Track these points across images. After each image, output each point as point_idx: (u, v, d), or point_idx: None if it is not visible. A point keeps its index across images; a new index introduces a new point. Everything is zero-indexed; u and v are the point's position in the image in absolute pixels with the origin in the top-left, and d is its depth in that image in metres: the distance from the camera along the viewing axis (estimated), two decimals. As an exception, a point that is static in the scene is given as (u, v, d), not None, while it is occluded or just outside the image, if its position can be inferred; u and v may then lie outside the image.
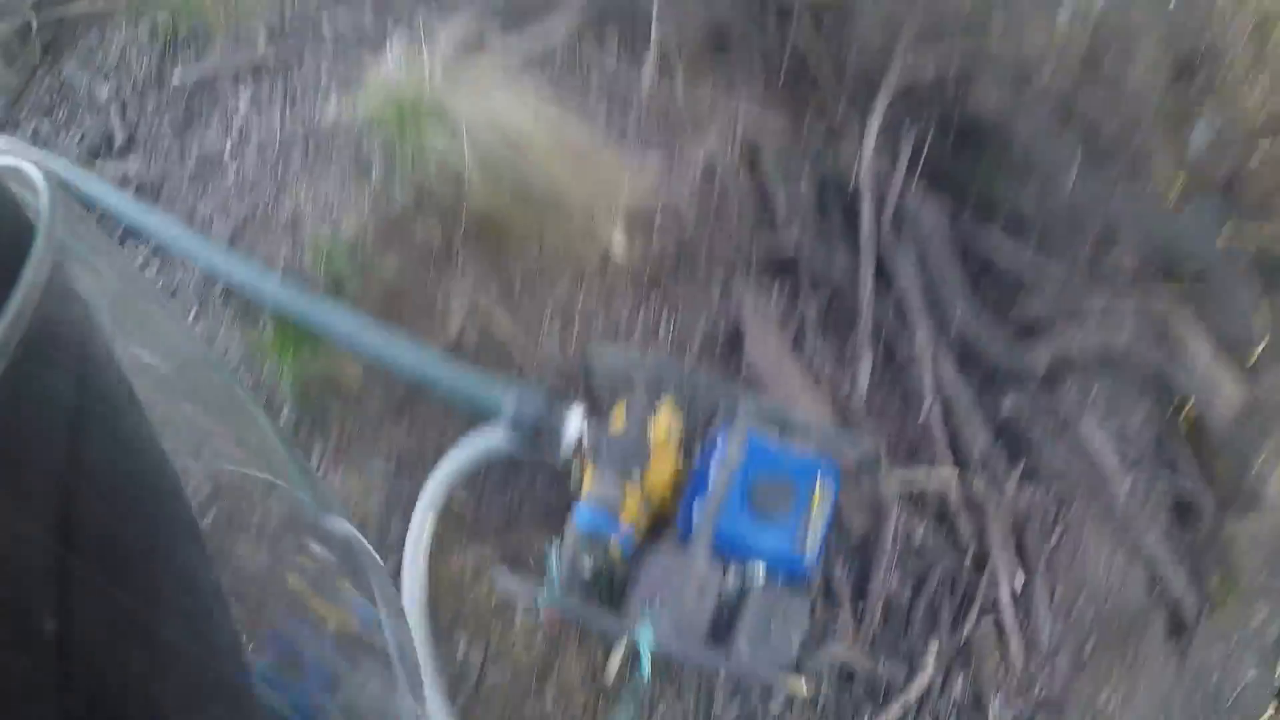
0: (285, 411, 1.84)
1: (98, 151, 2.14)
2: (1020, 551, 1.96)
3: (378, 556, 0.97)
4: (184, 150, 2.08)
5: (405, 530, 1.79)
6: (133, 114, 2.13)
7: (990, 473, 1.96)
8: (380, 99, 1.77)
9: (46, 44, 2.16)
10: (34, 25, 2.14)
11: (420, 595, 1.74)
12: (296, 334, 1.81)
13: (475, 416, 1.86)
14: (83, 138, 2.16)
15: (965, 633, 1.92)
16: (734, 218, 2.00)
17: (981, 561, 1.96)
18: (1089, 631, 1.98)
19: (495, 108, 1.72)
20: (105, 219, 2.04)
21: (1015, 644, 1.92)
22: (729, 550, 1.56)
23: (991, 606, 1.94)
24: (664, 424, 1.61)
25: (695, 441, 1.75)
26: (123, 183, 2.06)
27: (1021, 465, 2.00)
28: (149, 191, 2.07)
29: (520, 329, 1.88)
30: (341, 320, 1.72)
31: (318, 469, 1.83)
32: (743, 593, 1.56)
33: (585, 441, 1.52)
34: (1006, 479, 1.95)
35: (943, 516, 1.97)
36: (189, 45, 2.14)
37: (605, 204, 1.94)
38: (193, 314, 1.93)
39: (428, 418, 1.85)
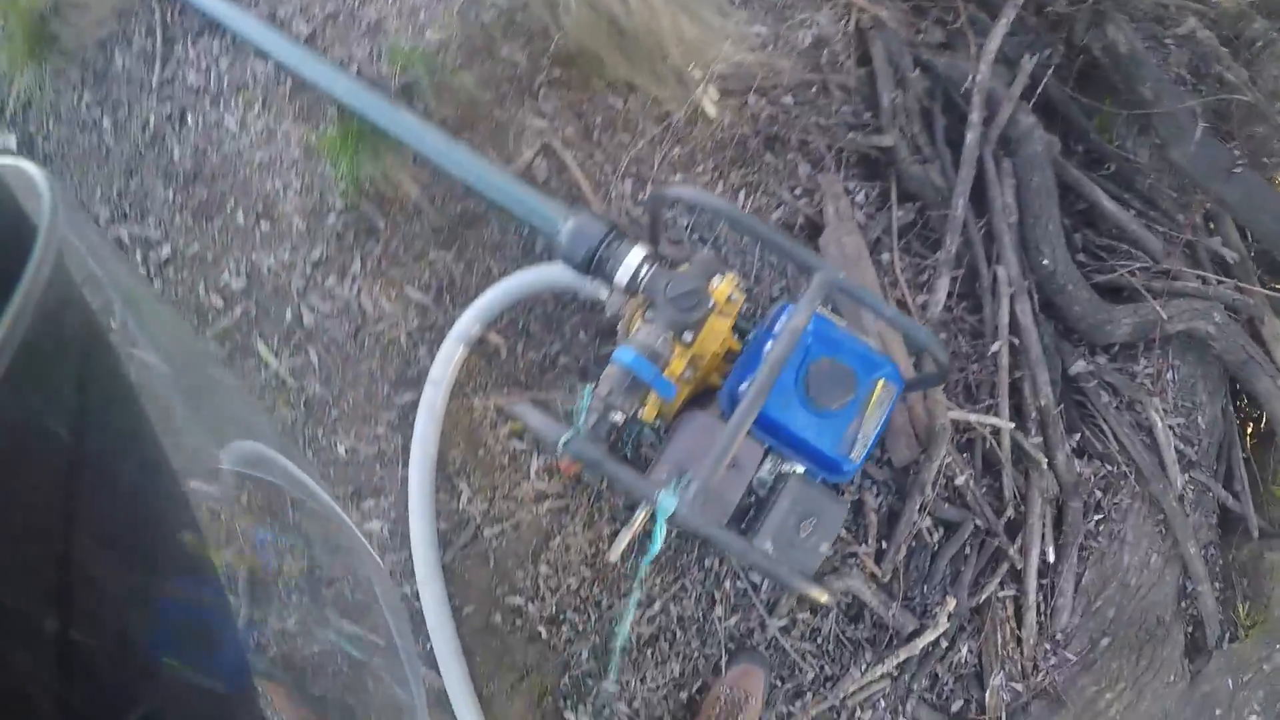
0: (333, 217, 1.64)
1: (187, -54, 1.96)
2: (1057, 526, 1.74)
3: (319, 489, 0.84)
4: (276, -52, 1.90)
5: (431, 362, 1.60)
6: (231, -92, 1.95)
7: (1045, 434, 1.72)
8: (488, -94, 1.56)
9: None
10: None
11: (433, 434, 1.54)
12: (359, 137, 1.61)
13: (527, 254, 1.66)
14: (173, -68, 1.98)
15: (984, 598, 1.69)
16: (834, 105, 1.77)
17: (1016, 527, 1.73)
18: (1106, 628, 1.75)
19: (608, -66, 1.50)
20: (186, 10, 1.87)
21: (1030, 622, 1.69)
22: (772, 436, 1.34)
23: (1015, 578, 1.71)
24: (725, 292, 1.40)
25: (751, 321, 1.54)
26: (209, -23, 1.88)
27: (1079, 434, 1.77)
28: (233, -14, 1.89)
29: (592, 174, 1.66)
30: (408, 122, 1.51)
31: (354, 284, 1.64)
32: (777, 485, 1.35)
33: (643, 284, 1.31)
34: (1060, 445, 1.72)
35: (987, 469, 1.74)
36: None
37: (703, 60, 1.71)
38: (258, 107, 1.74)
39: (478, 248, 1.63)
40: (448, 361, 1.53)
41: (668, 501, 1.13)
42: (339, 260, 1.64)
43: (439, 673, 1.50)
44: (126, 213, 1.75)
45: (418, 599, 1.53)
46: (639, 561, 1.59)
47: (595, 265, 1.33)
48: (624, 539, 1.63)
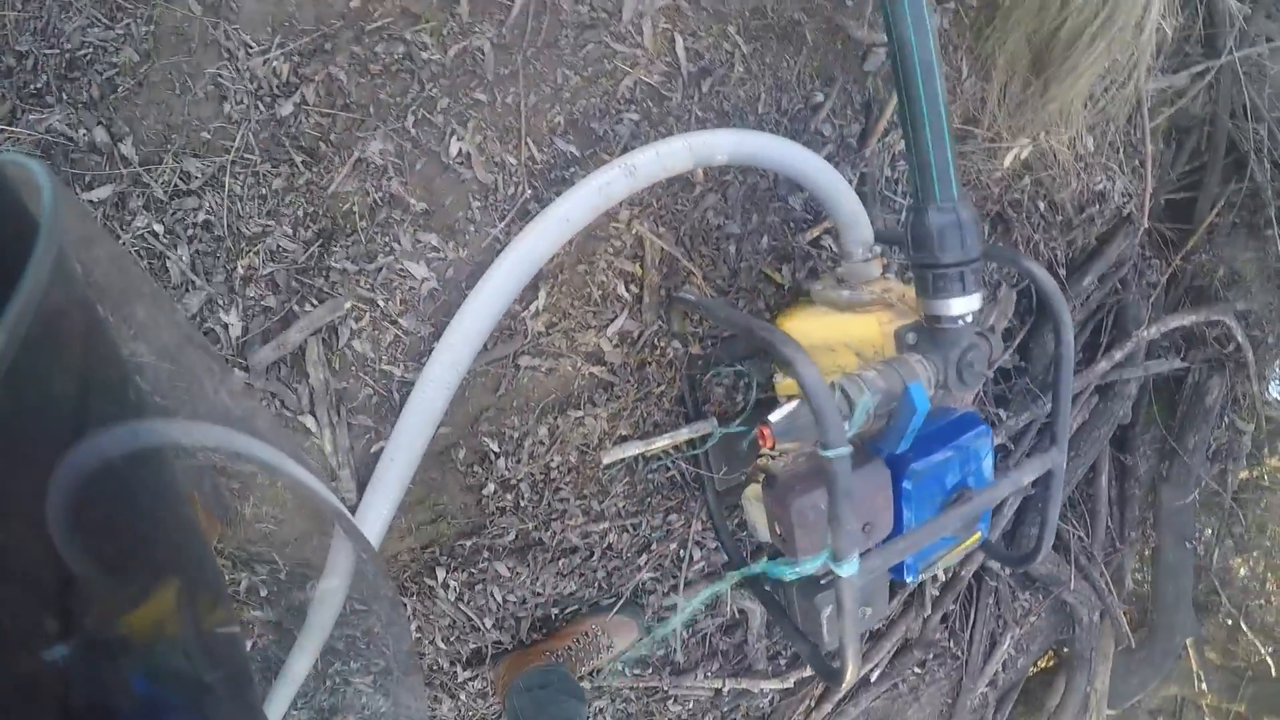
0: None
1: None
2: (893, 657, 1.88)
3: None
4: None
5: (631, 136, 1.12)
6: None
7: (942, 593, 1.85)
8: None
9: None
10: None
11: (580, 221, 1.07)
12: None
13: (796, 121, 1.23)
14: None
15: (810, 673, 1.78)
16: (1056, 240, 1.64)
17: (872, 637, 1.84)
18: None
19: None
20: None
21: (824, 711, 1.78)
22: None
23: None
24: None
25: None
26: None
27: (954, 606, 1.92)
28: None
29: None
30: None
31: None
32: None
33: (946, 325, 1.02)
34: (943, 607, 1.85)
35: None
36: None
37: (1036, 121, 1.44)
38: None
39: (769, 67, 1.13)
40: (660, 161, 1.06)
41: (852, 565, 0.92)
42: None
43: (368, 476, 1.10)
44: None
45: (404, 389, 1.10)
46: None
47: (928, 267, 1.01)
48: (626, 452, 1.36)
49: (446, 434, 1.18)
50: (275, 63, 1.03)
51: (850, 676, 1.05)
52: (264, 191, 1.09)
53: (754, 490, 1.20)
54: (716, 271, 1.28)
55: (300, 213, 1.09)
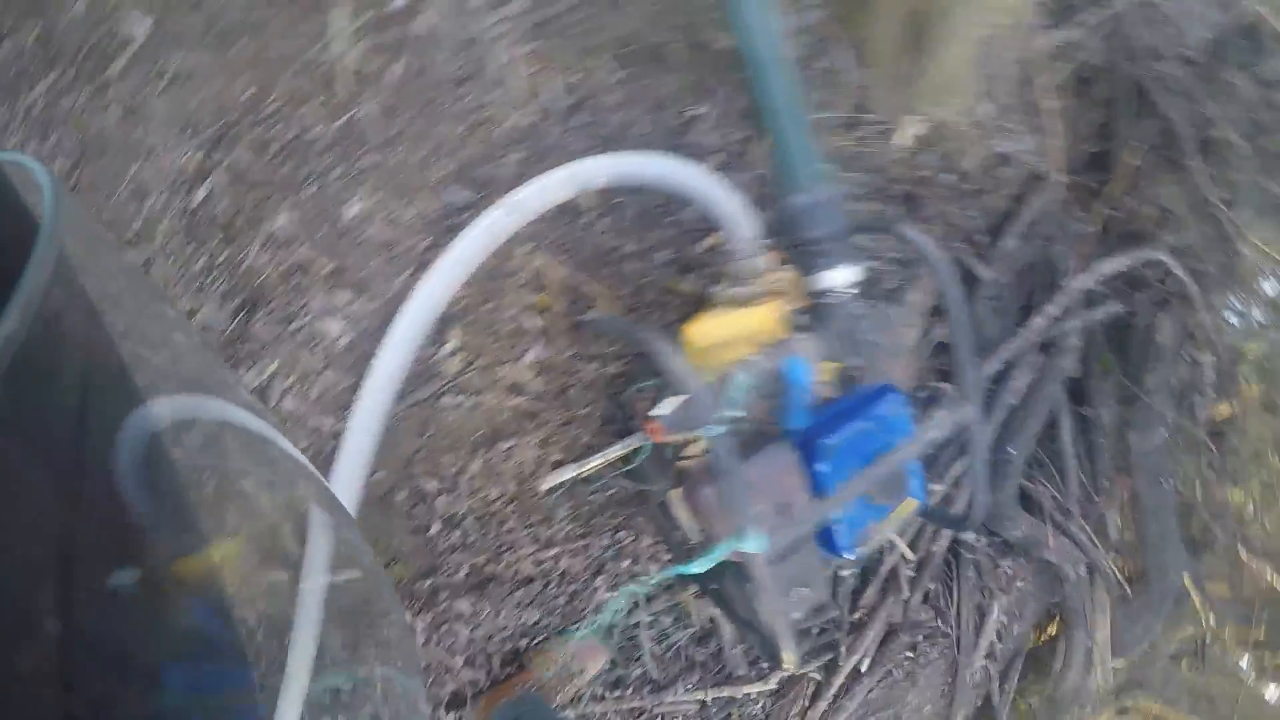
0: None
1: None
2: (881, 644, 1.89)
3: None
4: None
5: (516, 173, 1.22)
6: None
7: (919, 573, 1.87)
8: None
9: None
10: None
11: (472, 261, 1.17)
12: None
13: (677, 134, 1.34)
14: None
15: (800, 673, 1.80)
16: (970, 210, 1.72)
17: (854, 628, 1.87)
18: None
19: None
20: None
21: (820, 709, 1.79)
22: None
23: (830, 668, 1.81)
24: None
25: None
26: None
27: (935, 585, 1.94)
28: None
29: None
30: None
31: (499, 25, 1.17)
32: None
33: (830, 300, 1.10)
34: (921, 587, 1.87)
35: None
36: None
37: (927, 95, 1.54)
38: None
39: (644, 90, 1.23)
40: (545, 193, 1.17)
41: (758, 541, 0.99)
42: (493, -11, 1.16)
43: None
44: None
45: (335, 439, 1.18)
46: (636, 577, 1.39)
47: (796, 244, 1.10)
48: (562, 476, 1.43)
49: (382, 479, 1.25)
50: (187, 154, 1.14)
51: (789, 657, 1.09)
52: (190, 272, 1.19)
53: (677, 493, 1.26)
54: (621, 291, 1.37)
55: (224, 288, 1.19)
